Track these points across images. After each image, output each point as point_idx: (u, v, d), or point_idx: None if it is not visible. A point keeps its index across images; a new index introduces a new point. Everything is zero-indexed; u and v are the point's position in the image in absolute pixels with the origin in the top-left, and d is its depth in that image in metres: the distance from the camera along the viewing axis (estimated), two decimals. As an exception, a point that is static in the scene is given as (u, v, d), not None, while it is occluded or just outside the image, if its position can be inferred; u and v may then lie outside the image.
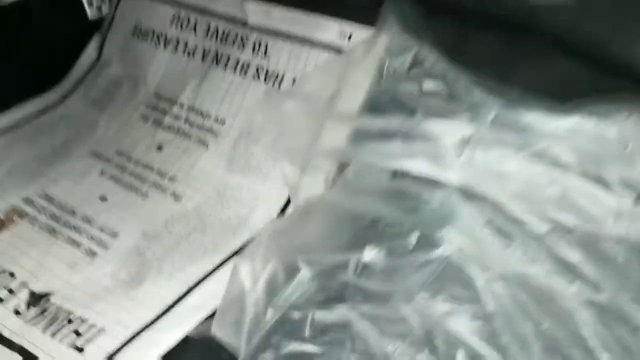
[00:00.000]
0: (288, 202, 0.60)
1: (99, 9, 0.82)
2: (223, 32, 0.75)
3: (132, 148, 0.73)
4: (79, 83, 0.85)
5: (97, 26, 0.87)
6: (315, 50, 0.67)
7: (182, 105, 0.75)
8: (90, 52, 0.86)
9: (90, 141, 0.76)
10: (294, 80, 0.68)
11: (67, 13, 0.87)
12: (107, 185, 0.69)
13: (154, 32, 0.80)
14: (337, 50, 0.66)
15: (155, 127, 0.75)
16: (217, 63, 0.74)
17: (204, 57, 0.76)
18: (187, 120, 0.73)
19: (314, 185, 0.53)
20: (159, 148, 0.73)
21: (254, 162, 0.66)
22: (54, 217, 0.63)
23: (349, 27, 0.65)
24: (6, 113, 0.77)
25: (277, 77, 0.69)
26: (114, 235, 0.61)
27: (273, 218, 0.60)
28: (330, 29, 0.66)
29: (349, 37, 0.65)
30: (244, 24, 0.73)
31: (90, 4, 0.81)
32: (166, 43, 0.78)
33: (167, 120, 0.74)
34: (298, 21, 0.69)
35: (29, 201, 0.65)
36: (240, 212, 0.62)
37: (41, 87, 0.83)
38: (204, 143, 0.71)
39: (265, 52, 0.71)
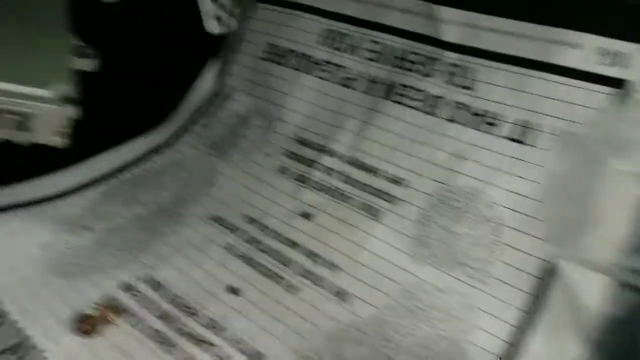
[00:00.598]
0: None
1: (223, 23, 0.72)
2: (399, 54, 0.62)
3: (266, 213, 0.61)
4: (192, 121, 0.75)
5: (216, 46, 0.78)
6: (552, 81, 0.51)
7: (337, 156, 0.61)
8: (207, 80, 0.77)
9: (209, 200, 0.64)
10: (515, 125, 0.52)
11: (176, 28, 0.80)
12: (236, 267, 0.56)
13: (295, 54, 0.68)
14: (593, 80, 0.50)
15: (298, 185, 0.62)
16: (389, 97, 0.61)
17: (369, 88, 0.63)
18: (345, 178, 0.60)
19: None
20: (306, 216, 0.59)
21: (459, 247, 0.50)
22: (165, 318, 0.51)
23: (611, 43, 0.49)
24: (97, 159, 0.69)
25: (488, 118, 0.54)
26: (256, 357, 0.47)
27: (502, 346, 0.43)
28: (579, 48, 0.50)
29: (615, 61, 0.49)
30: (434, 40, 0.59)
31: (212, 16, 0.71)
32: (313, 68, 0.67)
33: (316, 175, 0.61)
34: (523, 37, 0.54)
35: (128, 288, 0.54)
36: (447, 333, 0.46)
37: (143, 126, 0.74)
38: (372, 213, 0.57)
39: (469, 82, 0.56)
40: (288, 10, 0.70)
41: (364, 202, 0.58)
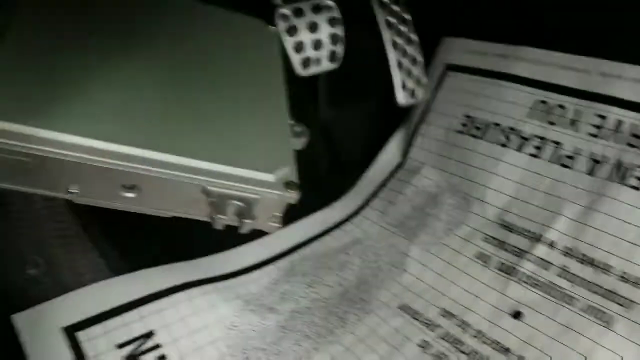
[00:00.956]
0: None
1: (413, 93, 0.74)
2: (631, 129, 0.58)
3: (467, 308, 0.59)
4: (373, 196, 0.76)
5: (403, 117, 0.80)
6: None
7: (552, 246, 0.58)
8: (392, 153, 0.78)
9: (398, 287, 0.64)
10: None
11: (357, 97, 0.83)
12: (434, 371, 0.54)
13: (499, 127, 0.67)
14: None
15: (504, 278, 0.59)
16: (619, 178, 0.57)
17: (592, 167, 0.59)
18: (563, 273, 0.56)
19: None
20: (516, 315, 0.56)
21: None
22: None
23: None
24: (278, 233, 0.71)
25: None
26: None
27: None
28: None
29: None
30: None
31: (402, 86, 0.73)
32: (522, 144, 0.65)
33: (527, 267, 0.58)
34: None
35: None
36: None
37: (321, 200, 0.77)
38: (601, 318, 0.52)
39: None
40: (488, 80, 0.70)
41: (590, 304, 0.53)
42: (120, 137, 0.38)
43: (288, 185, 0.43)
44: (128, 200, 0.41)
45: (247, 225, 0.41)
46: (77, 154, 0.37)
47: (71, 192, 0.40)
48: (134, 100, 0.42)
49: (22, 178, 0.38)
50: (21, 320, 0.53)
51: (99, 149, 0.38)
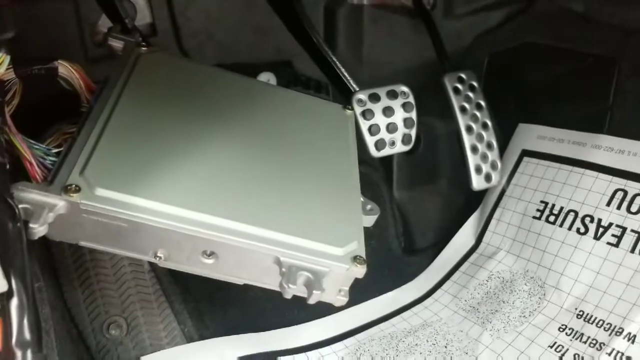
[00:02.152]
0: None
1: (488, 177, 0.76)
2: None
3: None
4: (446, 279, 0.77)
5: (476, 200, 0.81)
6: None
7: (633, 340, 0.56)
8: (465, 235, 0.79)
9: (470, 373, 0.63)
10: None
11: (432, 179, 0.86)
12: None
13: (575, 214, 0.68)
14: None
15: (581, 370, 0.57)
16: None
17: (676, 259, 0.58)
18: (646, 369, 0.54)
19: None
20: (595, 410, 0.54)
21: None
22: None
23: None
24: (348, 311, 0.73)
25: None
26: None
27: None
28: None
29: None
30: None
31: (477, 170, 0.75)
32: (600, 232, 0.64)
33: (604, 360, 0.56)
34: None
35: None
36: None
37: (394, 280, 0.79)
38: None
39: None
40: (565, 167, 0.71)
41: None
42: (204, 208, 0.43)
43: (356, 259, 0.46)
44: (207, 266, 0.45)
45: (315, 297, 0.43)
46: (166, 221, 0.42)
47: (158, 257, 0.44)
48: (219, 175, 0.47)
49: (119, 242, 0.43)
50: (101, 378, 0.58)
51: (185, 217, 0.42)
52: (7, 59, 0.39)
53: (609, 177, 0.66)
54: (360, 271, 0.46)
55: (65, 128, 0.50)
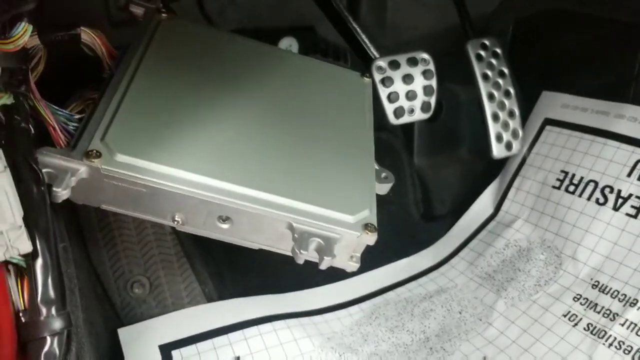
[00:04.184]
0: None
1: (509, 145, 0.76)
2: None
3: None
4: (463, 246, 0.78)
5: (496, 168, 0.81)
6: None
7: (647, 311, 0.56)
8: (483, 203, 0.80)
9: (481, 341, 0.64)
10: None
11: (452, 147, 0.86)
12: None
13: (595, 185, 0.67)
14: None
15: (593, 340, 0.58)
16: None
17: (695, 232, 0.57)
18: (658, 340, 0.54)
19: None
20: (602, 380, 0.55)
21: None
22: None
23: None
24: (365, 276, 0.75)
25: None
26: None
27: None
28: None
29: None
30: None
31: (498, 138, 0.75)
32: (619, 203, 0.64)
33: (617, 332, 0.57)
34: None
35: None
36: None
37: (412, 246, 0.80)
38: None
39: None
40: (588, 136, 0.70)
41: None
42: (219, 174, 0.45)
43: (367, 227, 0.47)
44: (222, 231, 0.47)
45: (326, 262, 0.45)
46: (183, 187, 0.43)
47: (176, 220, 0.46)
48: (235, 142, 0.48)
49: (138, 206, 0.45)
50: (125, 334, 0.60)
51: (202, 183, 0.44)
52: (30, 28, 0.41)
53: (631, 148, 0.65)
54: (371, 239, 0.47)
55: (88, 94, 0.51)
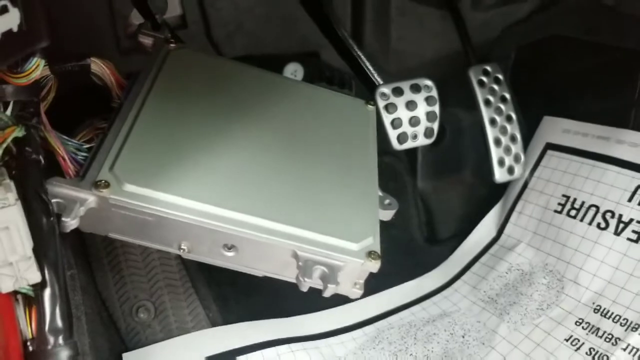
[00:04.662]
0: None
1: (510, 170, 0.76)
2: None
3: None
4: (466, 269, 0.78)
5: (498, 192, 0.82)
6: None
7: (650, 336, 0.57)
8: (486, 227, 0.80)
9: (485, 364, 0.65)
10: None
11: (455, 172, 0.86)
12: None
13: (597, 209, 0.68)
14: None
15: (595, 365, 0.58)
16: None
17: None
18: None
19: None
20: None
21: None
22: None
23: None
24: (368, 300, 0.75)
25: None
26: None
27: None
28: None
29: None
30: None
31: (500, 162, 0.76)
32: (620, 227, 0.65)
33: (619, 356, 0.57)
34: None
35: None
36: None
37: (415, 270, 0.80)
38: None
39: None
40: (588, 161, 0.71)
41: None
42: (225, 203, 0.45)
43: (370, 254, 0.48)
44: (228, 259, 0.48)
45: (330, 290, 0.45)
46: (189, 216, 0.44)
47: (182, 249, 0.47)
48: (241, 171, 0.49)
49: (145, 234, 0.46)
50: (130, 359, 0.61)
51: (207, 212, 0.45)
52: (42, 62, 0.42)
53: (631, 173, 0.66)
54: (374, 266, 0.47)
55: (97, 123, 0.52)
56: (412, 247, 0.82)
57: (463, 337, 0.68)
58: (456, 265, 0.79)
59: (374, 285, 0.76)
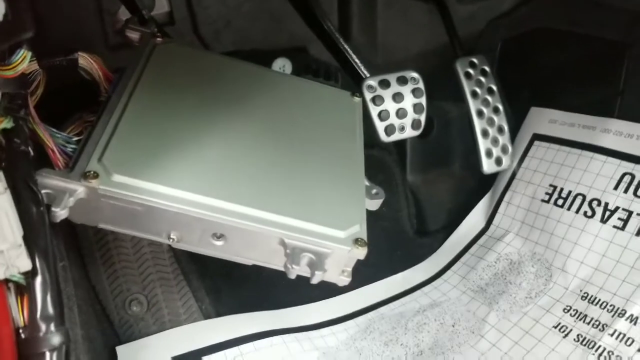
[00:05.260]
0: None
1: (498, 161, 0.77)
2: None
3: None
4: (455, 260, 0.79)
5: (489, 184, 0.83)
6: None
7: (635, 321, 0.58)
8: (475, 218, 0.81)
9: (473, 353, 0.65)
10: None
11: (443, 163, 0.87)
12: None
13: (583, 198, 0.69)
14: None
15: (582, 349, 0.59)
16: None
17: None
18: (647, 350, 0.55)
19: None
20: (594, 389, 0.56)
21: None
22: None
23: None
24: (360, 291, 0.76)
25: None
26: None
27: None
28: None
29: None
30: None
31: (488, 154, 0.76)
32: (607, 216, 0.65)
33: (607, 342, 0.58)
34: None
35: None
36: None
37: (405, 261, 0.81)
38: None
39: None
40: (575, 151, 0.72)
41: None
42: (213, 192, 0.46)
43: (357, 241, 0.48)
44: (217, 248, 0.48)
45: (317, 277, 0.46)
46: (178, 205, 0.45)
47: (171, 238, 0.48)
48: (229, 161, 0.50)
49: (135, 224, 0.47)
50: (123, 352, 0.61)
51: (196, 201, 0.45)
52: (29, 54, 0.42)
53: (617, 161, 0.67)
54: (361, 253, 0.48)
55: (86, 116, 0.53)
56: (402, 239, 0.83)
57: (453, 326, 0.69)
58: (446, 256, 0.79)
59: (365, 276, 0.77)
